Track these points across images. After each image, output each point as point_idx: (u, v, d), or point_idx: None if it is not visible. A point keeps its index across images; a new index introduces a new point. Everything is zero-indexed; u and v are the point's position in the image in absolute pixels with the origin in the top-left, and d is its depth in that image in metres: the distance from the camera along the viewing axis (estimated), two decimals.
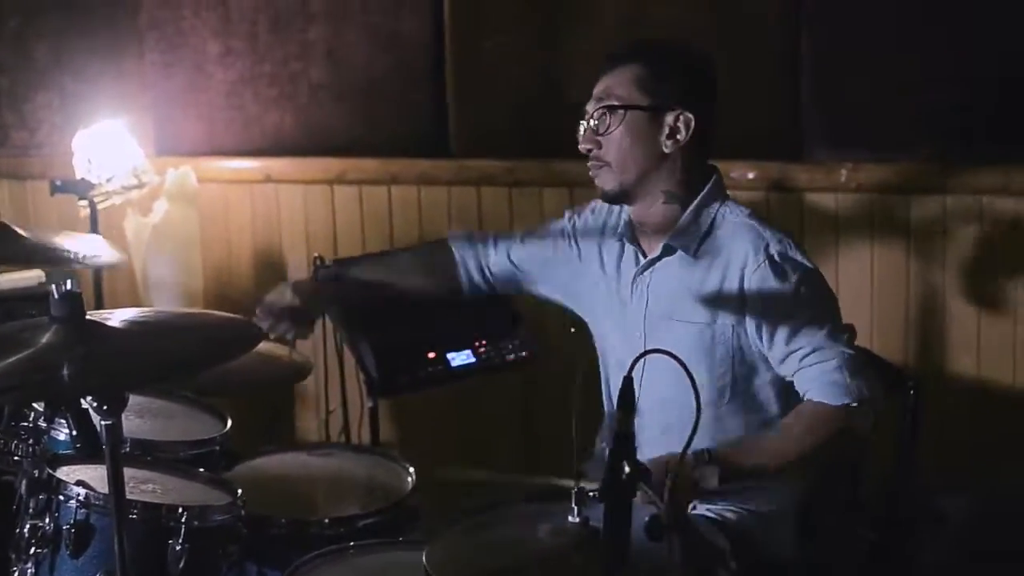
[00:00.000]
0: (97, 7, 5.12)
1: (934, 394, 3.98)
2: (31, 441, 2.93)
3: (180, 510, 2.72)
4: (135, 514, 2.68)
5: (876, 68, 4.28)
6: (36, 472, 2.74)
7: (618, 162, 3.08)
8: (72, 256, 3.84)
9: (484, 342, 3.97)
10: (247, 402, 4.64)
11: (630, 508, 2.13)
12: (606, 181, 3.12)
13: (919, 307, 4.28)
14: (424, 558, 2.40)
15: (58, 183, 4.55)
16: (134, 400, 3.31)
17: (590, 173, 3.16)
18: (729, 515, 3.10)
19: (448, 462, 4.35)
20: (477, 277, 3.52)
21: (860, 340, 4.09)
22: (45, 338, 2.33)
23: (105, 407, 2.29)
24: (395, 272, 3.58)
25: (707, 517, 3.10)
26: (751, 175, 4.39)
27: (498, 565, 2.38)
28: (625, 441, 2.12)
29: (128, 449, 3.04)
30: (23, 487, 2.75)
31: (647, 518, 2.04)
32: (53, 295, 2.36)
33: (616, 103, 3.05)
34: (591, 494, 2.33)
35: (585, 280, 3.33)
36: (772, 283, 3.01)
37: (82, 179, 4.55)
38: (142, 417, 3.31)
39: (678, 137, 3.06)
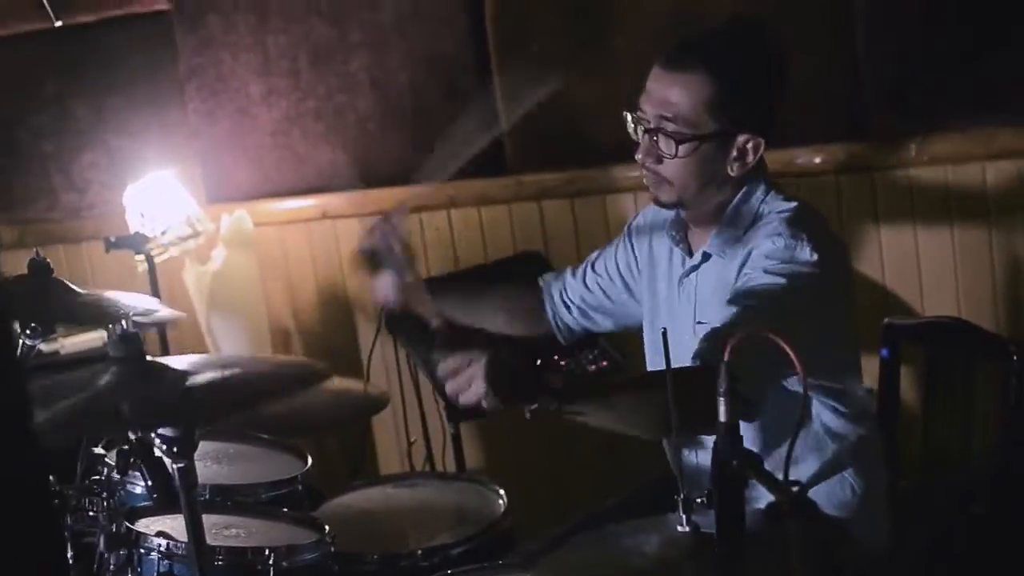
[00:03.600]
0: (135, 60, 5.04)
1: None
2: (105, 495, 2.82)
3: (267, 551, 2.62)
4: (220, 560, 2.58)
5: (938, 33, 4.13)
6: (114, 527, 2.64)
7: (679, 182, 2.87)
8: (126, 311, 3.72)
9: (563, 354, 3.85)
10: (326, 440, 4.56)
11: (743, 502, 2.00)
12: (663, 194, 2.92)
13: (1005, 277, 4.13)
14: None
15: (112, 239, 4.46)
16: (210, 446, 3.23)
17: (645, 182, 2.96)
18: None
19: (535, 481, 4.25)
20: (562, 312, 3.33)
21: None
22: (104, 379, 2.23)
23: (175, 448, 2.18)
24: (481, 314, 3.37)
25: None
26: (817, 159, 4.27)
27: None
28: (730, 431, 1.99)
29: (207, 496, 2.93)
30: (102, 543, 2.65)
31: (765, 505, 1.90)
32: (112, 335, 2.25)
33: (683, 129, 2.81)
34: (699, 500, 2.20)
35: (641, 286, 3.18)
36: (754, 267, 2.77)
37: (135, 233, 4.48)
38: (219, 462, 3.21)
39: (747, 160, 2.86)
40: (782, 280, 2.70)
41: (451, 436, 3.96)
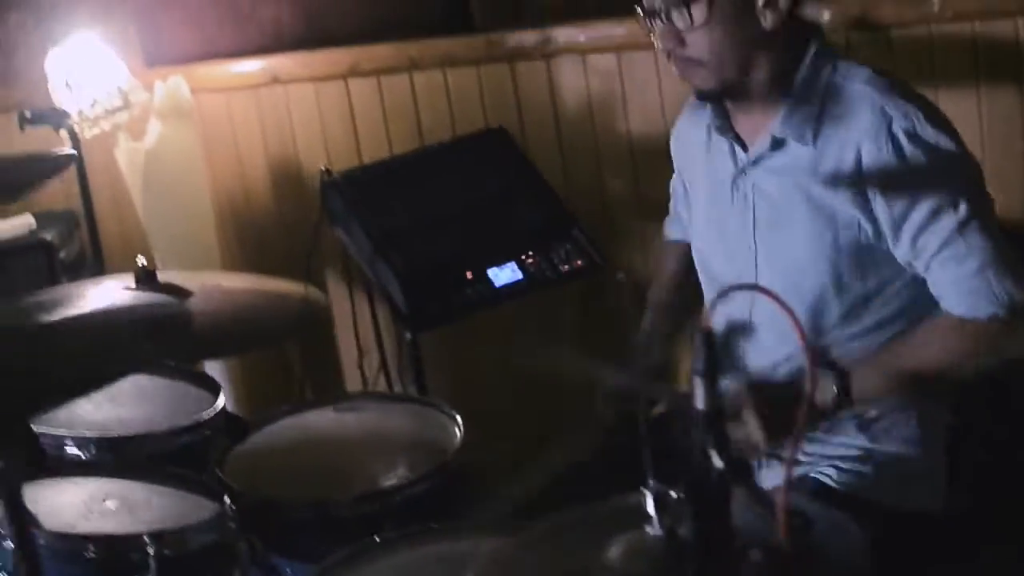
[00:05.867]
0: None
1: None
2: None
3: (145, 539, 2.14)
4: (91, 553, 2.10)
5: None
6: None
7: (713, 59, 2.43)
8: None
9: (531, 252, 3.38)
10: (263, 357, 4.11)
11: (728, 513, 1.53)
12: (702, 81, 2.47)
13: None
14: None
15: (28, 115, 3.92)
16: None
17: (676, 72, 2.50)
18: (848, 467, 2.49)
19: (502, 398, 3.79)
20: None
21: None
22: None
23: None
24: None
25: (817, 478, 2.49)
26: (826, 15, 3.73)
27: None
28: (713, 422, 1.50)
29: (94, 452, 2.46)
30: None
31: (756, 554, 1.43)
32: None
33: None
34: (675, 495, 1.72)
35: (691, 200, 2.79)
36: (896, 169, 2.37)
37: (53, 108, 3.95)
38: (114, 402, 2.70)
39: (780, 6, 2.40)
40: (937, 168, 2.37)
41: (408, 347, 3.48)
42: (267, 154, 4.44)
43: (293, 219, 4.38)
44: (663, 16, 2.41)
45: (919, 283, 2.42)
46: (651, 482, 1.75)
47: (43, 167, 3.22)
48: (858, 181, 2.39)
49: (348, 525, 2.56)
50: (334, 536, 2.48)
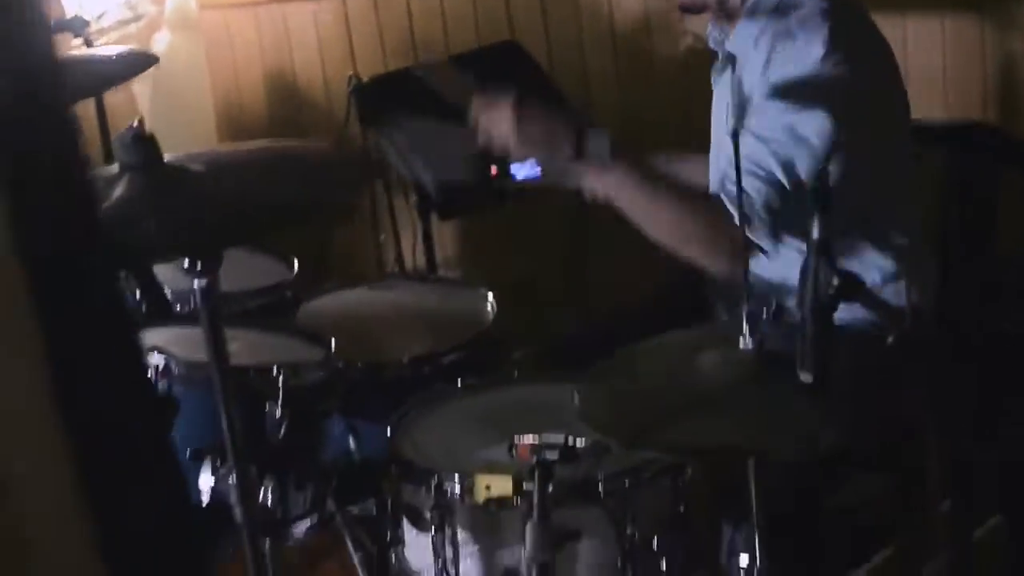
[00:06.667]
0: None
1: None
2: None
3: (275, 370, 2.39)
4: None
5: None
6: None
7: None
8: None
9: None
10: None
11: (833, 329, 1.82)
12: None
13: (997, 73, 3.90)
14: (576, 400, 2.07)
15: (51, 24, 4.12)
16: None
17: None
18: None
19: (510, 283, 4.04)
20: None
21: (934, 111, 3.84)
22: (118, 191, 1.96)
23: (199, 266, 1.94)
24: None
25: None
26: None
27: (663, 406, 2.04)
28: (824, 249, 1.80)
29: (192, 306, 2.69)
30: None
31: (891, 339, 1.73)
32: (120, 140, 1.98)
33: None
34: (764, 314, 2.02)
35: None
36: (778, 67, 2.59)
37: (75, 16, 4.14)
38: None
39: None
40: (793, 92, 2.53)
41: (423, 234, 3.73)
42: (264, 70, 4.64)
43: (288, 132, 4.59)
44: None
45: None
46: (745, 302, 2.04)
47: (136, 64, 3.43)
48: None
49: (396, 385, 2.75)
50: (382, 395, 2.68)
